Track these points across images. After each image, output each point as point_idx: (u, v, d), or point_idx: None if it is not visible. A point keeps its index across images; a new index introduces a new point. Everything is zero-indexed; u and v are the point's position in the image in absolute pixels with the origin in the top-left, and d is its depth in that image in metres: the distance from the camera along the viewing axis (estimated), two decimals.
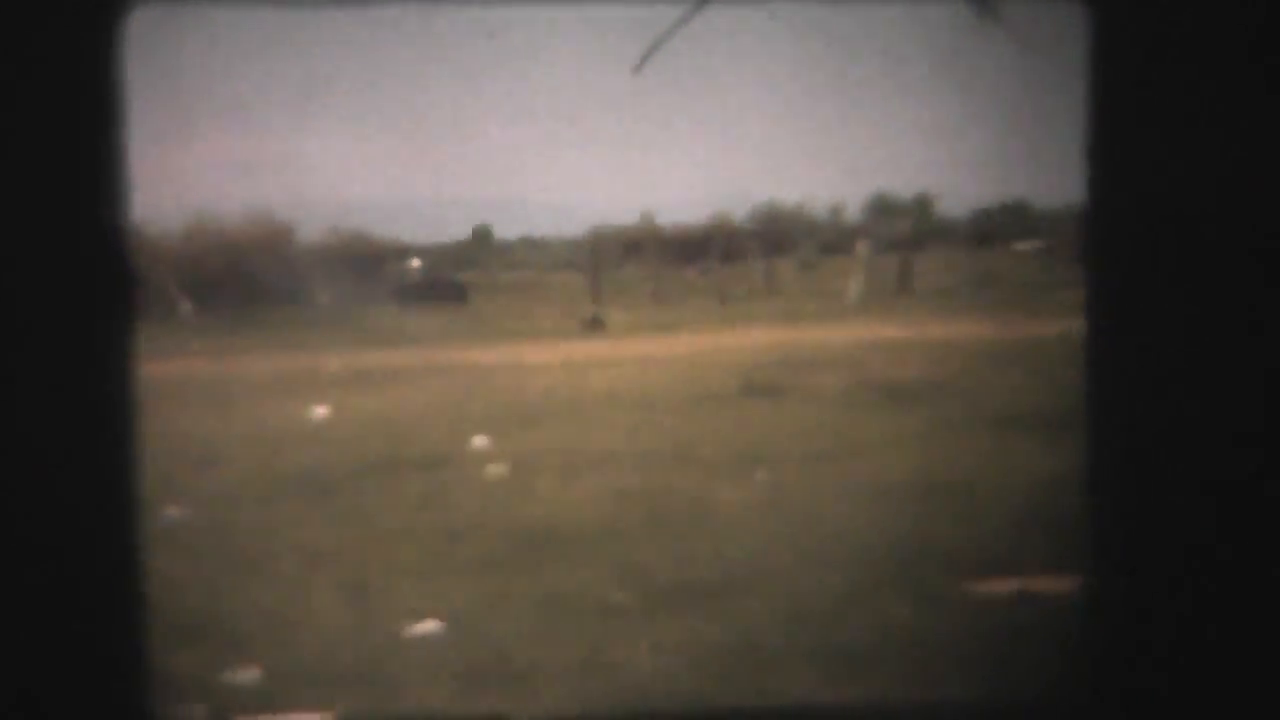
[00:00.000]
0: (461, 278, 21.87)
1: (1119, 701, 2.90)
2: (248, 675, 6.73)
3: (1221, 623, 2.88)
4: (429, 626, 7.47)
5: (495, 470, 11.26)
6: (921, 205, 22.67)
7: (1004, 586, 8.04)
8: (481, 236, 22.89)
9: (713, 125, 23.83)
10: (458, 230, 22.77)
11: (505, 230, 23.17)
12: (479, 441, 12.21)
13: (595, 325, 19.89)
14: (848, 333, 18.30)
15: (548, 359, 17.14)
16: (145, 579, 2.88)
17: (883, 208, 22.93)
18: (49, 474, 2.75)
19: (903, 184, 23.03)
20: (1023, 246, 22.76)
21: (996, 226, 23.06)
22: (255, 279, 20.16)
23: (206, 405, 13.72)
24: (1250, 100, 2.79)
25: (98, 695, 2.81)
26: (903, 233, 22.35)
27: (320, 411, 13.84)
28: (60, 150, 2.71)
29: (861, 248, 22.17)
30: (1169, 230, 2.81)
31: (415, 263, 21.08)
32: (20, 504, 2.75)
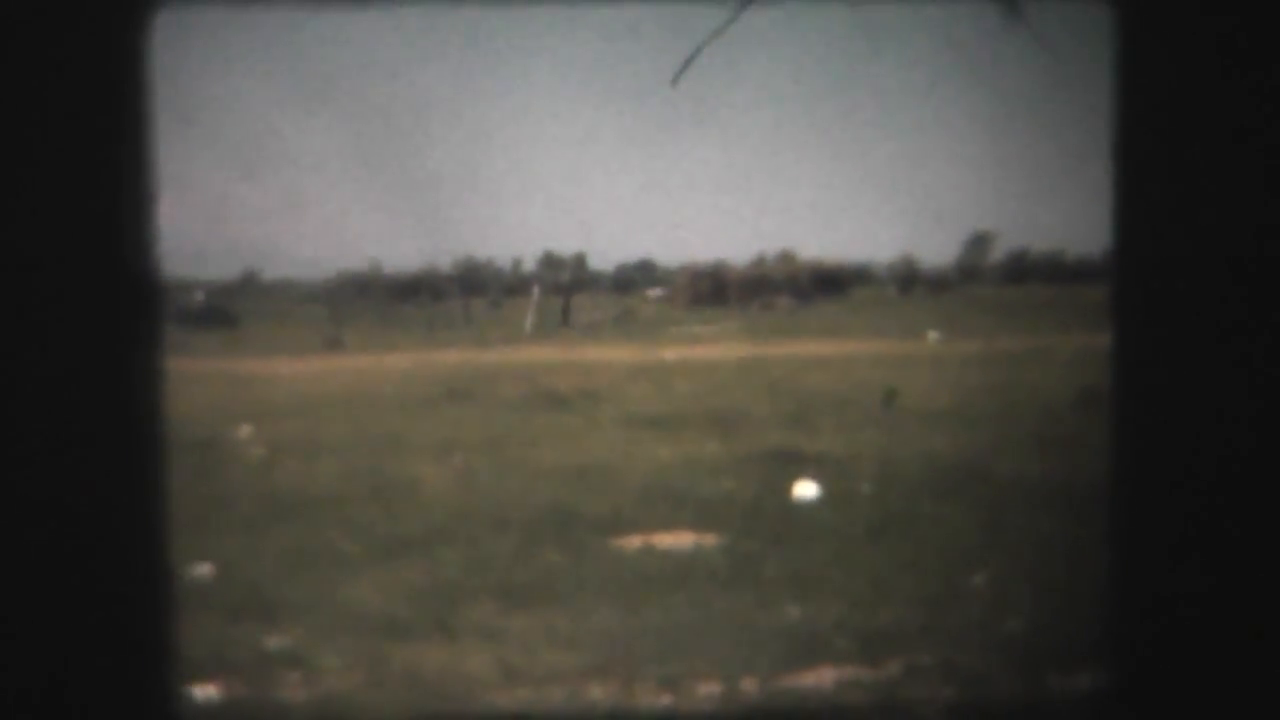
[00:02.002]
0: (233, 307, 21.40)
1: (1141, 699, 2.44)
2: None
3: (1246, 623, 2.40)
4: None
5: (256, 451, 11.07)
6: (578, 260, 22.98)
7: (633, 542, 8.25)
8: (249, 276, 22.47)
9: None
10: (230, 270, 22.29)
11: (269, 271, 22.78)
12: (244, 430, 11.99)
13: (335, 344, 19.63)
14: (523, 355, 18.44)
15: (297, 370, 16.88)
16: (171, 570, 2.51)
17: (549, 262, 23.14)
18: (80, 468, 2.33)
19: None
20: (651, 293, 23.39)
21: (632, 278, 23.65)
22: None
23: None
24: (1275, 101, 2.31)
25: (122, 678, 2.43)
26: (563, 280, 22.65)
27: None
28: (87, 153, 2.26)
29: (535, 291, 22.39)
30: (1194, 230, 2.32)
31: (199, 295, 20.58)
32: (44, 499, 2.34)
